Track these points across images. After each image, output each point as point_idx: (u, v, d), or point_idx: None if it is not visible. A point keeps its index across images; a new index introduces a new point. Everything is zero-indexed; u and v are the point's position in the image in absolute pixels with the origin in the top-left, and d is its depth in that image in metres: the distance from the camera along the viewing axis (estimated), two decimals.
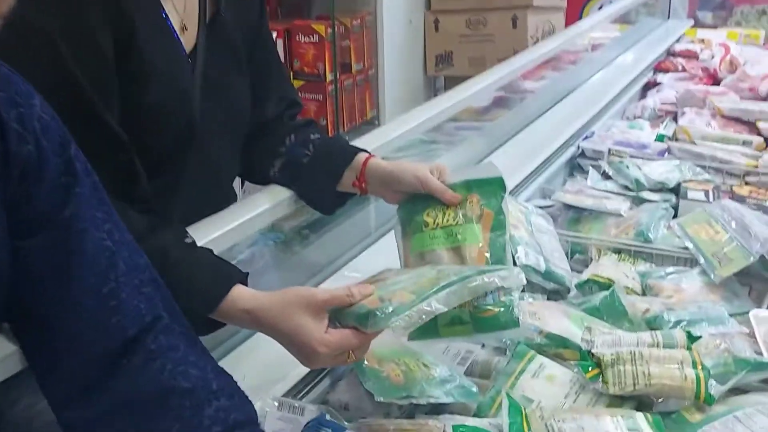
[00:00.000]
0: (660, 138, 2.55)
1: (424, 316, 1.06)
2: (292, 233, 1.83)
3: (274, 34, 2.95)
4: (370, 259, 1.71)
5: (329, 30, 3.23)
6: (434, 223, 1.28)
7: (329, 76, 3.27)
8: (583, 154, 2.37)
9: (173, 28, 1.23)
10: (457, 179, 1.32)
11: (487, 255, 1.23)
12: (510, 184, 1.99)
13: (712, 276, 1.59)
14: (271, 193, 1.42)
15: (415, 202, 1.34)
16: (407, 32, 3.60)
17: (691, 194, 1.98)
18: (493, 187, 1.31)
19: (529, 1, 3.45)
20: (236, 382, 1.01)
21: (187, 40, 1.27)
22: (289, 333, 1.09)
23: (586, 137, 2.45)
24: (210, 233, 1.26)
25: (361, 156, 1.39)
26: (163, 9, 1.22)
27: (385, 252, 1.58)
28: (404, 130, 1.79)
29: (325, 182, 1.39)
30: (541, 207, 1.96)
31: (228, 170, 1.43)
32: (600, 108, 2.61)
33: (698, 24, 4.34)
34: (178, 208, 1.31)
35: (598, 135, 2.48)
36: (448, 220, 1.27)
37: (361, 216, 1.85)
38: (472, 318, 1.15)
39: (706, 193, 1.99)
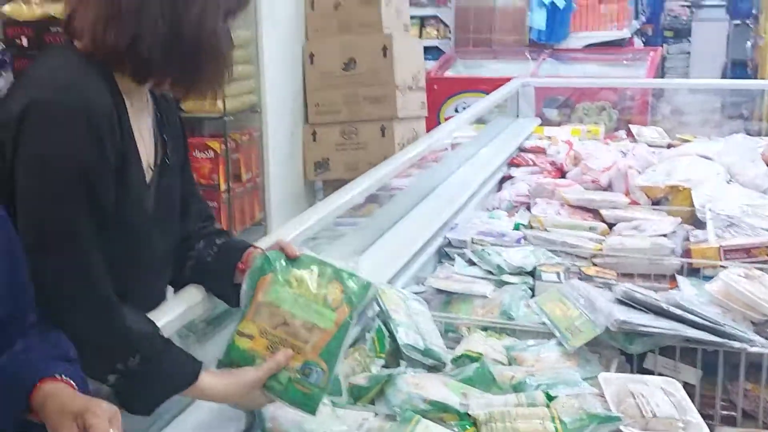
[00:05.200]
0: (516, 226, 2.84)
1: None
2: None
3: None
4: None
5: (223, 146, 3.60)
6: (299, 287, 1.47)
7: (223, 186, 3.62)
8: (450, 244, 2.62)
9: (141, 163, 1.49)
10: (334, 262, 1.53)
11: (324, 346, 1.44)
12: (388, 274, 2.20)
13: (566, 346, 1.83)
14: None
15: (282, 259, 1.52)
16: (290, 143, 3.99)
17: (545, 276, 2.23)
18: (359, 291, 1.49)
19: (395, 114, 3.91)
20: None
21: (148, 174, 1.51)
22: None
23: (452, 228, 2.70)
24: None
25: (250, 251, 1.60)
26: (136, 145, 1.47)
27: None
28: (294, 234, 1.96)
29: (225, 277, 1.59)
30: (416, 293, 2.18)
31: (164, 272, 1.61)
32: (462, 202, 2.88)
33: (545, 121, 4.76)
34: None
35: (462, 226, 2.73)
36: (311, 294, 1.47)
37: None
38: (287, 383, 1.42)
39: (558, 274, 2.25)
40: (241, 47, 3.65)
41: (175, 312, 1.49)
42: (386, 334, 1.76)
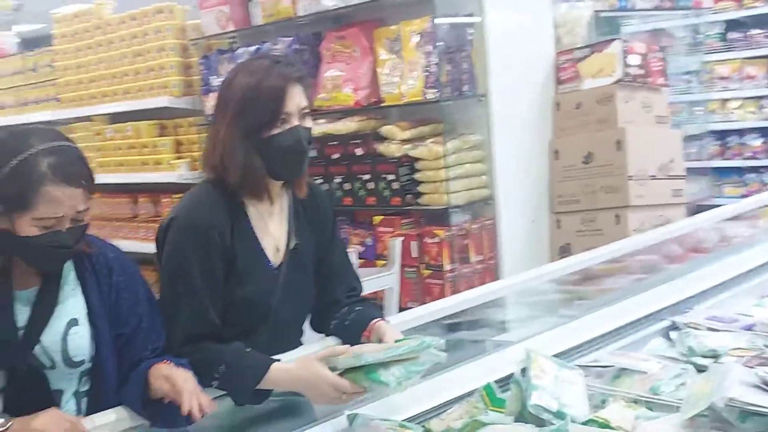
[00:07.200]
0: None
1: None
2: None
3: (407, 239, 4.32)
4: None
5: (446, 233, 4.29)
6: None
7: (447, 266, 4.28)
8: (675, 326, 2.76)
9: (265, 252, 2.18)
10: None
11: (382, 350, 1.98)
12: (570, 344, 2.49)
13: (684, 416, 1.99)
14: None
15: None
16: (529, 230, 4.55)
17: (723, 359, 2.34)
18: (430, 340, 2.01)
19: (628, 203, 4.25)
20: None
21: (278, 258, 2.22)
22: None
23: (685, 312, 2.83)
24: None
25: (374, 321, 2.20)
26: (258, 240, 2.17)
27: None
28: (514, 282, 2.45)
29: (354, 338, 2.21)
30: (601, 366, 2.42)
31: (293, 337, 2.32)
32: (708, 287, 2.98)
33: None
34: None
35: (696, 310, 2.84)
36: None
37: None
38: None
39: (740, 359, 2.33)
40: (472, 149, 4.34)
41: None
42: (495, 390, 2.10)
